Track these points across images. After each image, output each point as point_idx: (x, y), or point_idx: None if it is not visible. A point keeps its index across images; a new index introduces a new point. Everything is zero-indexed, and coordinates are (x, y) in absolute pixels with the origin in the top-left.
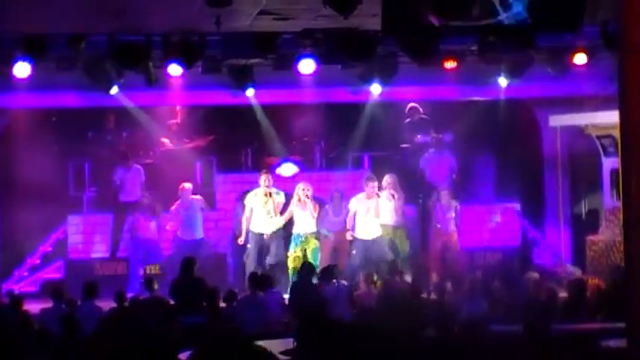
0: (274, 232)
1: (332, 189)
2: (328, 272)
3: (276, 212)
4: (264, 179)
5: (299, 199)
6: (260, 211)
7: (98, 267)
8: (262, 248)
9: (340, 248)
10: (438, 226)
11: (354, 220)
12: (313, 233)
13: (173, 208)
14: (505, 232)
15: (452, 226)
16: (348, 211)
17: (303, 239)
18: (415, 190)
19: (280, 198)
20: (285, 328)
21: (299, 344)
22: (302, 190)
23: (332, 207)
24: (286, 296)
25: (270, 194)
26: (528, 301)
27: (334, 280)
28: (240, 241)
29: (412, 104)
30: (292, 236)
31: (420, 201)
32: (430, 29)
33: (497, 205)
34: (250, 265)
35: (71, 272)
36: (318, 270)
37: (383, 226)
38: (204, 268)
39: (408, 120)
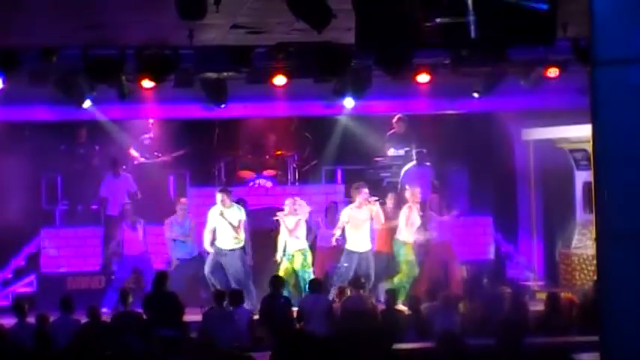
0: (232, 250)
1: (306, 202)
2: (316, 285)
3: (236, 230)
4: (219, 198)
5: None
6: (219, 227)
7: (71, 281)
8: (218, 263)
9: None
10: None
11: (343, 231)
12: (300, 250)
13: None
14: (478, 246)
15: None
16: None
17: (291, 257)
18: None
19: (241, 215)
20: (257, 343)
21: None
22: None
23: (325, 219)
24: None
25: (223, 213)
26: (501, 315)
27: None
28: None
29: (399, 115)
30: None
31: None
32: (404, 43)
33: (470, 218)
34: (208, 277)
35: (44, 286)
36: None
37: (405, 243)
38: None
39: (392, 131)
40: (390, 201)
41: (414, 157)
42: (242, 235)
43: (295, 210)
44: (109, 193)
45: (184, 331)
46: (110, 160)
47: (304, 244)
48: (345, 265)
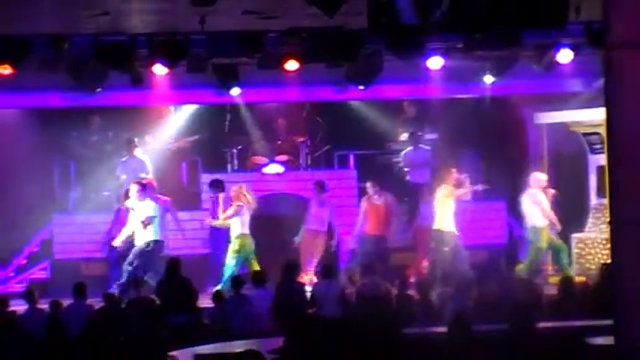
0: (137, 247)
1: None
2: (327, 271)
3: (142, 225)
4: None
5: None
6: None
7: (84, 267)
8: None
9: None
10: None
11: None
12: (238, 236)
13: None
14: (491, 230)
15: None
16: (332, 205)
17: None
18: (401, 190)
19: (146, 210)
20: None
21: (287, 343)
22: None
23: (315, 200)
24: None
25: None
26: (514, 299)
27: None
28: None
29: (408, 100)
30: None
31: (406, 199)
32: (416, 27)
33: (483, 203)
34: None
35: (57, 272)
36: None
37: (541, 229)
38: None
39: (404, 116)
40: (370, 191)
41: (409, 139)
42: (149, 232)
43: (238, 197)
44: (126, 173)
45: (198, 317)
46: (125, 141)
47: (237, 231)
48: (445, 249)
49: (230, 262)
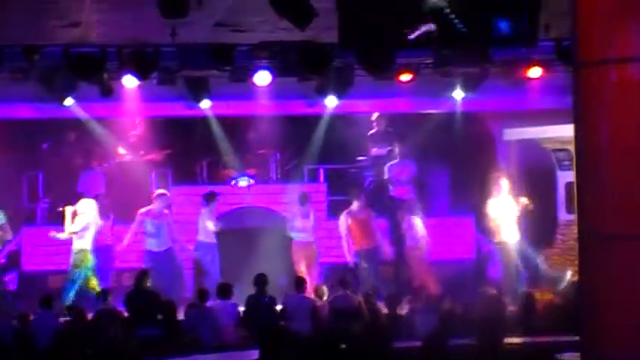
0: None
1: (288, 202)
2: (299, 283)
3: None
4: None
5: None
6: None
7: (52, 279)
8: None
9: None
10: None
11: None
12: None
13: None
14: (460, 246)
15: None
16: (316, 215)
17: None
18: (381, 203)
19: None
20: (242, 341)
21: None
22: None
23: (299, 209)
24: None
25: None
26: (481, 315)
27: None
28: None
29: (378, 114)
30: None
31: (387, 215)
32: (386, 42)
33: (451, 218)
34: None
35: (24, 284)
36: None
37: None
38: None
39: (373, 131)
40: (354, 206)
41: (397, 153)
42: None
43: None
44: (85, 189)
45: (168, 329)
46: (84, 155)
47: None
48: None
49: (72, 277)
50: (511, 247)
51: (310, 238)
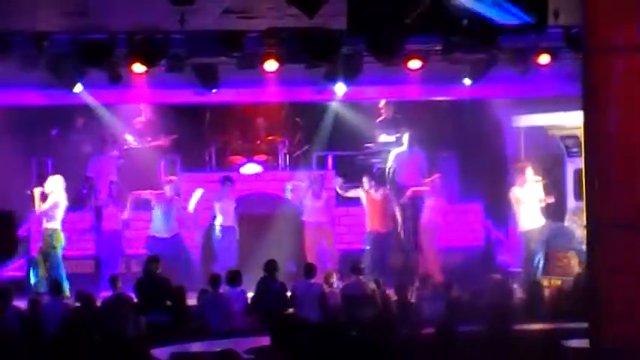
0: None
1: (295, 187)
2: (309, 269)
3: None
4: None
5: None
6: None
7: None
8: None
9: (321, 240)
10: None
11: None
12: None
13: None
14: (468, 233)
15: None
16: (327, 197)
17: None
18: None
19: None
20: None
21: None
22: None
23: (312, 190)
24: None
25: None
26: (489, 302)
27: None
28: None
29: (385, 101)
30: None
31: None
32: (395, 29)
33: (460, 205)
34: None
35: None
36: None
37: None
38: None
39: (381, 118)
40: (366, 185)
41: (404, 141)
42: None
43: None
44: (95, 173)
45: (177, 315)
46: (99, 139)
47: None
48: (533, 245)
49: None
50: (536, 233)
51: (322, 219)
